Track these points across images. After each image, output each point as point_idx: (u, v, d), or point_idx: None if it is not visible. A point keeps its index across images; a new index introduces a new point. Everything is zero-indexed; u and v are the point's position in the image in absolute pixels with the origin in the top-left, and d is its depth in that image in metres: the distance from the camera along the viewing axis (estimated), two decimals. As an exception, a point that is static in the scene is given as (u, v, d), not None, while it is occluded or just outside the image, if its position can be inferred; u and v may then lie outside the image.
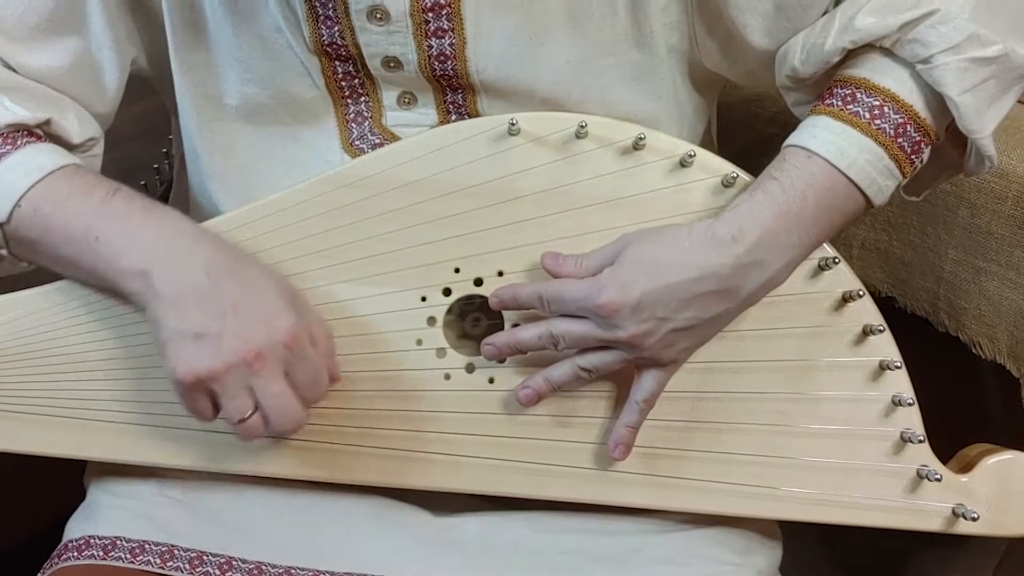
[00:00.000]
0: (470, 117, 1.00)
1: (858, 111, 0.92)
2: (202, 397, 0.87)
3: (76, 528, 0.99)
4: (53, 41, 0.97)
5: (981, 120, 0.92)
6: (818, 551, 1.44)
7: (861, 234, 1.29)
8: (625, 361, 0.92)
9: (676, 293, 0.88)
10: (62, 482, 1.10)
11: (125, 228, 0.90)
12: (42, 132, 0.96)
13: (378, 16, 0.94)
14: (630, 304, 0.88)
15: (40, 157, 0.93)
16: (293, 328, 0.86)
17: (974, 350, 1.27)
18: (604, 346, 0.91)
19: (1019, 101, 1.18)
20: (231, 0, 0.96)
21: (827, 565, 1.52)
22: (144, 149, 1.44)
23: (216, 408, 0.87)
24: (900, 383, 0.96)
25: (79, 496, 1.05)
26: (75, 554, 0.96)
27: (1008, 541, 1.41)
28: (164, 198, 1.23)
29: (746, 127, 1.21)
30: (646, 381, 0.92)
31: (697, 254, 0.89)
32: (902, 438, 0.96)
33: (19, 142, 0.93)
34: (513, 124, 0.94)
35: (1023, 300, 1.22)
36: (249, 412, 0.86)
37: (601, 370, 0.92)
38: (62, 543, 0.99)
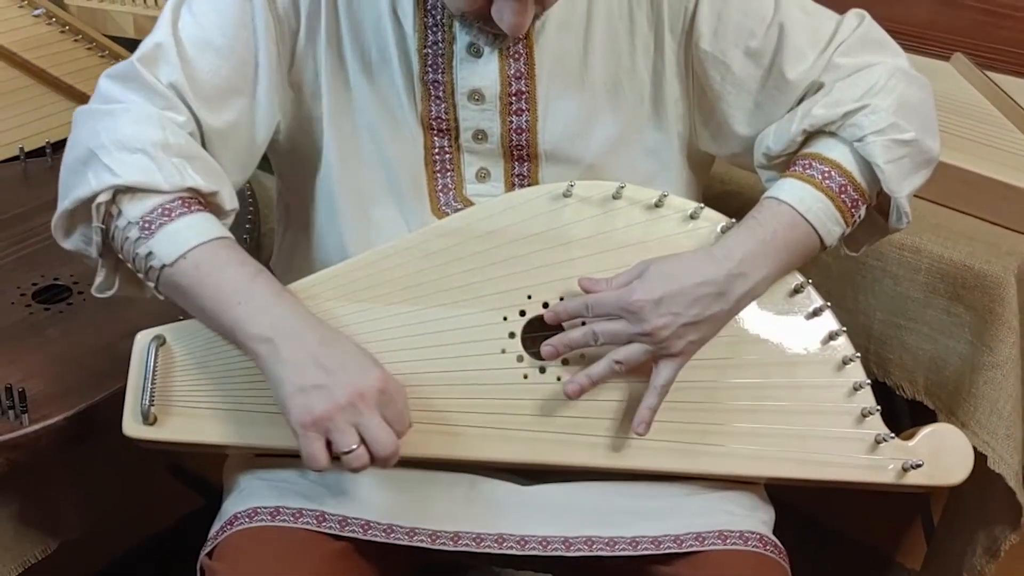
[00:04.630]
0: None
1: (814, 174, 1.28)
2: (317, 440, 1.12)
3: (238, 504, 1.25)
4: (229, 101, 1.27)
5: (900, 185, 1.29)
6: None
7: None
8: (647, 354, 1.23)
9: (686, 295, 1.21)
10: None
11: (263, 302, 1.17)
12: (206, 201, 1.24)
13: (476, 98, 1.30)
14: (653, 300, 1.20)
15: (208, 224, 1.20)
16: (382, 377, 1.15)
17: (898, 392, 1.62)
18: (631, 340, 1.22)
19: (925, 199, 1.59)
20: (370, 80, 1.31)
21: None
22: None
23: (328, 453, 1.12)
24: (858, 372, 1.29)
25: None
26: (246, 520, 1.22)
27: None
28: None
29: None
30: (662, 370, 1.24)
31: (700, 267, 1.23)
32: (862, 413, 1.28)
33: (192, 207, 1.20)
34: (571, 187, 1.28)
35: (935, 349, 1.57)
36: (355, 444, 1.12)
37: (630, 362, 1.23)
38: (229, 516, 1.24)
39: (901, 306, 1.58)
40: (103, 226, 1.21)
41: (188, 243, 1.18)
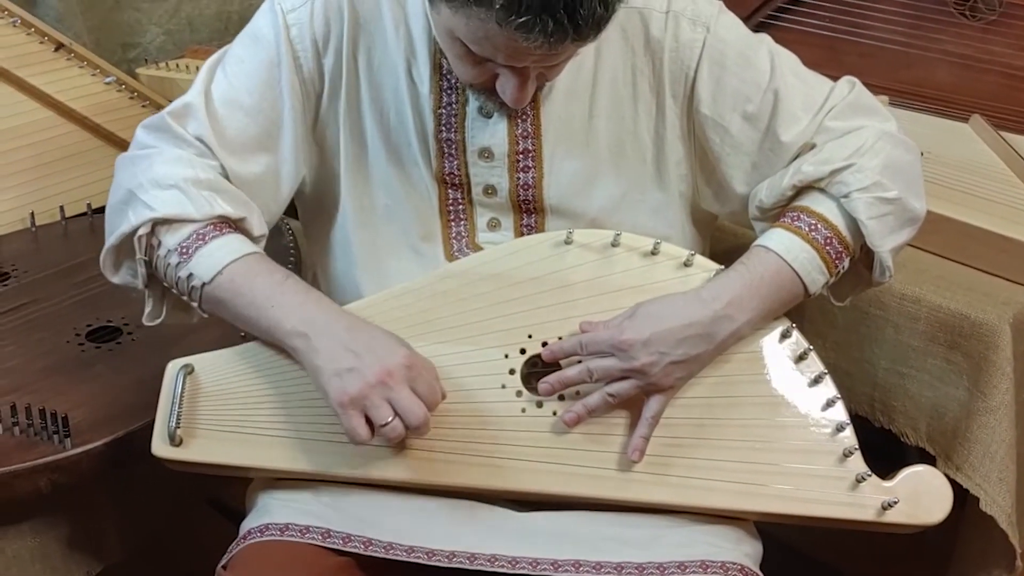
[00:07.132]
0: None
1: (801, 226, 1.37)
2: (356, 415, 1.25)
3: (253, 521, 1.34)
4: (255, 155, 1.41)
5: (883, 240, 1.37)
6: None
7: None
8: (637, 388, 1.32)
9: (673, 334, 1.30)
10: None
11: (293, 303, 1.32)
12: (236, 226, 1.38)
13: (486, 155, 1.40)
14: (642, 340, 1.30)
15: (238, 242, 1.35)
16: (408, 355, 1.28)
17: (902, 439, 1.67)
18: (623, 376, 1.31)
19: (927, 251, 1.65)
20: (387, 139, 1.42)
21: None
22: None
23: (369, 426, 1.25)
24: (841, 413, 1.36)
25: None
26: (258, 534, 1.31)
27: None
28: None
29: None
30: (652, 403, 1.33)
31: (688, 309, 1.32)
32: (844, 453, 1.34)
33: (223, 230, 1.35)
34: (570, 234, 1.38)
35: (936, 397, 1.62)
36: (391, 417, 1.25)
37: (622, 395, 1.32)
38: (244, 531, 1.33)
39: (903, 354, 1.64)
40: (146, 258, 1.36)
41: (222, 261, 1.33)
